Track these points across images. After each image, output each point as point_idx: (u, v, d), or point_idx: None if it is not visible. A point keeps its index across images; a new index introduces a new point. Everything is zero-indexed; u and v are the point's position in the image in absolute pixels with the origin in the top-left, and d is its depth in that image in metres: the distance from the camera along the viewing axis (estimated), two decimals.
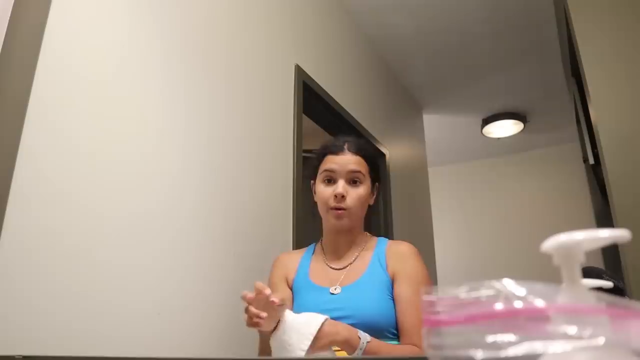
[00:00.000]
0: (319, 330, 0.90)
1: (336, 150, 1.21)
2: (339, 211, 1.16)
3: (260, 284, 0.91)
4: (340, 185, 1.16)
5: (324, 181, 1.20)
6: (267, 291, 0.89)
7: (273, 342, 0.93)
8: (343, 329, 0.95)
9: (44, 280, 1.01)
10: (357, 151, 1.21)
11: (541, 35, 3.11)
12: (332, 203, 1.16)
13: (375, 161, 1.26)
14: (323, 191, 1.19)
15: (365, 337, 0.95)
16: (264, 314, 0.88)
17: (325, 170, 1.20)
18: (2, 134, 1.00)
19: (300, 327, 0.91)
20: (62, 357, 0.93)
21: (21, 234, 0.99)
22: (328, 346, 0.92)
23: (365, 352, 0.92)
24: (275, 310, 0.92)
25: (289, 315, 0.95)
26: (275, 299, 0.88)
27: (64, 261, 1.05)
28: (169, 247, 1.34)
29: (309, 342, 0.88)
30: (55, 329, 1.01)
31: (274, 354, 0.94)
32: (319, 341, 0.90)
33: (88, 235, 1.12)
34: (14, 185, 0.98)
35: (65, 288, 1.05)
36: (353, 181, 1.18)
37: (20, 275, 0.97)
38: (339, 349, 0.97)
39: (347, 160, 1.18)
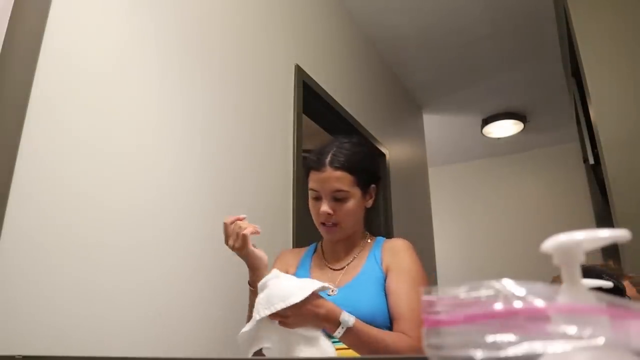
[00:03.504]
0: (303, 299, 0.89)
1: (317, 167, 1.16)
2: (329, 227, 1.17)
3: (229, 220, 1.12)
4: (325, 205, 1.14)
5: (311, 197, 1.19)
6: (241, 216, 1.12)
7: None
8: (327, 305, 0.93)
9: (43, 279, 1.01)
10: (339, 165, 1.14)
11: (541, 35, 3.11)
12: (321, 219, 1.16)
13: (364, 167, 1.19)
14: (312, 207, 1.19)
15: (347, 321, 0.93)
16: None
17: (310, 189, 1.19)
18: (2, 132, 1.00)
19: (280, 292, 0.90)
20: (62, 357, 0.93)
21: (21, 231, 0.99)
22: (308, 316, 0.91)
23: (348, 332, 0.92)
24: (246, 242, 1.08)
25: (279, 277, 0.94)
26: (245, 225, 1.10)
27: (64, 259, 1.05)
28: (168, 246, 1.34)
29: (269, 311, 0.88)
30: (55, 328, 1.01)
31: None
32: (298, 308, 0.89)
33: (88, 232, 1.12)
34: (15, 181, 0.98)
35: (65, 286, 1.04)
36: (337, 199, 1.15)
37: (20, 275, 0.97)
38: (342, 347, 0.96)
39: (327, 178, 1.13)
